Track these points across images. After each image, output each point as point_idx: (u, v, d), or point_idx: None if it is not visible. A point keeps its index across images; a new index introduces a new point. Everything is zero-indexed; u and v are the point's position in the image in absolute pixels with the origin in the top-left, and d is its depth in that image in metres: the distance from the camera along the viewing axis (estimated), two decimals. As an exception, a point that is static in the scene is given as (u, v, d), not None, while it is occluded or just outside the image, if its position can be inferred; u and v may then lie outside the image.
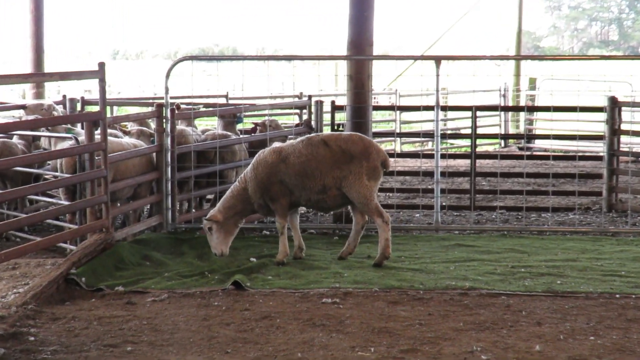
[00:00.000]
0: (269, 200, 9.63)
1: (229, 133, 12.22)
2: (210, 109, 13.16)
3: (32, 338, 6.79)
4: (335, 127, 12.68)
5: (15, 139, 11.68)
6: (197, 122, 14.37)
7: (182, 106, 12.53)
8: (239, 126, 13.01)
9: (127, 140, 10.99)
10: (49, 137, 10.99)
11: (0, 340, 6.63)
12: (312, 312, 7.66)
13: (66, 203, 10.06)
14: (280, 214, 9.67)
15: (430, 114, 18.22)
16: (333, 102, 13.40)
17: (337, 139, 9.65)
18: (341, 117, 13.16)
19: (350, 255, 9.87)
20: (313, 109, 13.37)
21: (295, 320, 7.40)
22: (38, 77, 13.83)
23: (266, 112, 14.16)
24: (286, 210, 9.70)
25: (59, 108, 13.02)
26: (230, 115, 12.53)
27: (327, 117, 13.42)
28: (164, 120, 10.98)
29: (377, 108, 16.57)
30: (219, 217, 9.60)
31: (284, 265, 9.51)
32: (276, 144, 9.91)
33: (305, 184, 9.52)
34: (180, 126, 11.90)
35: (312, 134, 10.10)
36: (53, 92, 25.61)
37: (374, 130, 12.61)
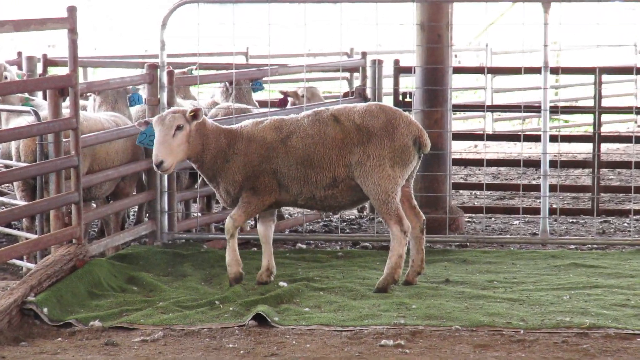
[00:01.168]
0: (248, 190, 9.63)
1: (248, 107, 12.24)
2: (224, 71, 13.14)
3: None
4: (401, 97, 12.64)
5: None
6: (207, 89, 14.35)
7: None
8: (258, 95, 13.03)
9: (105, 115, 11.03)
10: (-1, 111, 11.00)
11: None
12: (366, 358, 7.64)
13: (22, 203, 10.10)
14: (247, 212, 9.70)
15: (535, 79, 18.00)
16: (397, 62, 13.39)
17: (350, 112, 9.70)
18: (408, 82, 13.12)
19: (420, 275, 9.85)
20: (369, 71, 13.32)
21: (342, 369, 7.39)
22: (-18, 26, 13.91)
23: (302, 75, 14.13)
24: (259, 212, 9.81)
25: (13, 69, 13.10)
26: (247, 80, 12.52)
27: (388, 83, 13.37)
28: (159, 88, 11.05)
29: (460, 70, 16.56)
30: (206, 120, 9.69)
31: (238, 282, 9.67)
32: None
33: (309, 176, 9.60)
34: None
35: (322, 108, 10.03)
36: (4, 48, 25.80)
37: (455, 101, 12.56)
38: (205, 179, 9.83)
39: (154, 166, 9.26)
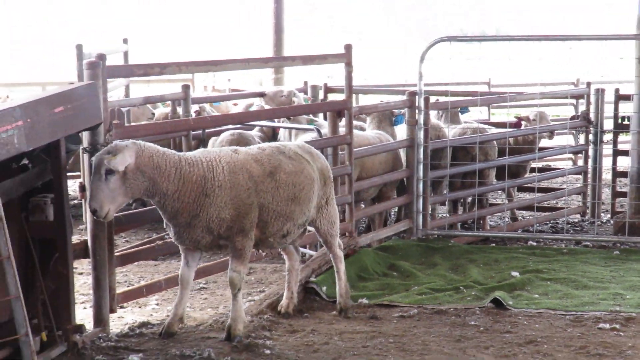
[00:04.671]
0: (238, 233, 7.35)
1: (486, 127, 12.27)
2: (470, 97, 13.15)
3: (268, 351, 7.07)
4: (620, 120, 12.38)
5: (255, 131, 12.10)
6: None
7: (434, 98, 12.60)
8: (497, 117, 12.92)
9: (371, 133, 11.22)
10: (289, 128, 11.35)
11: (233, 352, 6.97)
12: (586, 338, 7.53)
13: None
14: (246, 258, 7.48)
15: None
16: (617, 91, 13.09)
17: (306, 152, 8.10)
18: (626, 108, 12.79)
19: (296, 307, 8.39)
20: (592, 98, 13.11)
21: (565, 347, 7.29)
22: (279, 60, 14.29)
23: (535, 102, 13.98)
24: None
25: (300, 95, 13.42)
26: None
27: (609, 108, 13.11)
28: (417, 111, 11.09)
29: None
30: (131, 160, 6.87)
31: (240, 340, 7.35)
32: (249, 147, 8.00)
33: (294, 213, 7.77)
34: (434, 119, 11.99)
35: (275, 144, 8.28)
36: (293, 77, 26.48)
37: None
38: (166, 216, 7.23)
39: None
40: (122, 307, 8.16)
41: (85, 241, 7.28)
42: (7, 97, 12.91)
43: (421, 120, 11.09)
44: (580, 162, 14.25)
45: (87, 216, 7.26)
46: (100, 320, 7.28)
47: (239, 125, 11.24)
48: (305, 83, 15.47)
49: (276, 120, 11.51)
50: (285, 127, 11.36)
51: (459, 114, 12.72)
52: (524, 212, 13.44)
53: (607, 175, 14.08)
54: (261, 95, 13.73)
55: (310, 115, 11.68)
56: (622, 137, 14.11)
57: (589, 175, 13.21)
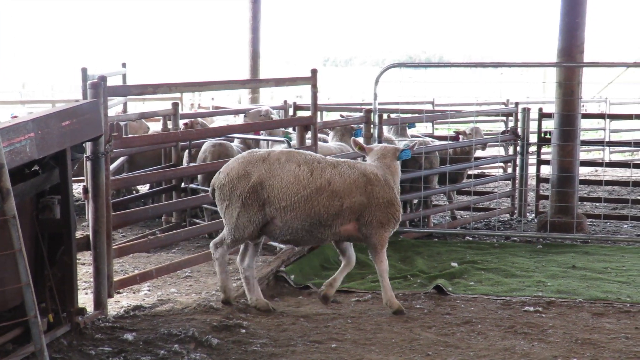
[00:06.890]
0: None
1: (430, 139, 12.30)
2: (416, 115, 13.20)
3: (243, 330, 7.05)
4: (543, 135, 12.50)
5: (235, 143, 11.98)
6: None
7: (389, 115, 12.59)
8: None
9: (334, 144, 11.21)
10: (266, 140, 11.30)
11: (214, 331, 6.93)
12: (513, 319, 7.56)
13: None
14: None
15: (642, 123, 17.49)
16: (540, 110, 13.20)
17: None
18: (548, 124, 12.90)
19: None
20: (520, 116, 13.22)
21: (496, 327, 7.32)
22: (255, 82, 14.39)
23: (472, 118, 14.06)
24: None
25: (276, 112, 13.41)
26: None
27: (533, 125, 13.22)
28: (372, 126, 11.09)
29: (586, 116, 16.19)
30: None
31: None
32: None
33: None
34: (386, 133, 11.99)
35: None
36: (267, 97, 26.51)
37: (582, 138, 12.29)
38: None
39: None
40: (118, 293, 8.12)
41: (88, 236, 7.23)
42: (15, 116, 12.72)
43: (375, 134, 11.07)
44: (510, 170, 14.36)
45: (89, 214, 7.23)
46: (99, 304, 7.23)
47: (222, 138, 11.21)
48: (285, 102, 15.63)
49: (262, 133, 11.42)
50: (261, 139, 11.31)
51: (407, 128, 12.72)
52: (462, 212, 13.50)
53: (532, 181, 14.18)
54: (242, 112, 13.68)
55: (285, 128, 11.60)
56: (544, 149, 14.26)
57: (517, 181, 13.32)
